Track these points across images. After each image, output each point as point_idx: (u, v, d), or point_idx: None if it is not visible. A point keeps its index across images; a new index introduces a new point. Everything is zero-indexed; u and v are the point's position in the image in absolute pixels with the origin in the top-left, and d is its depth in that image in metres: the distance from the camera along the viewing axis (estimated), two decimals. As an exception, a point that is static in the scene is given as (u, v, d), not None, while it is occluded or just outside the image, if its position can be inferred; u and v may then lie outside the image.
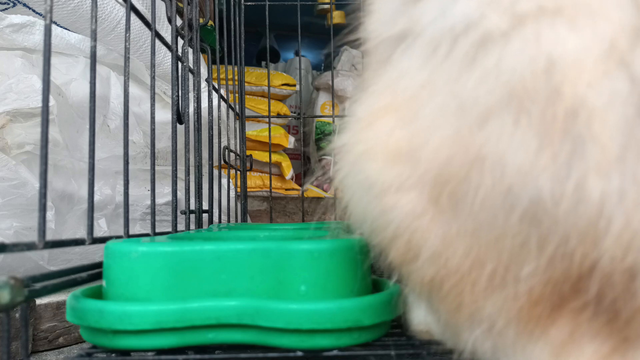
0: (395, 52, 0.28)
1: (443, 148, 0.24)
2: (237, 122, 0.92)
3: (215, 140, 0.72)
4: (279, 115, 1.50)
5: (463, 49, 0.24)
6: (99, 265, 0.36)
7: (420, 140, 0.25)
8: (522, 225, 0.22)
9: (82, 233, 0.68)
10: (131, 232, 0.44)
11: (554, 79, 0.21)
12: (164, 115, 0.77)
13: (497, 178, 0.22)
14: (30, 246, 0.29)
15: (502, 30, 0.23)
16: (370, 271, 0.35)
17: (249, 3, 0.95)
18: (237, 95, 0.93)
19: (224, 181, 0.83)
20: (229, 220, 0.86)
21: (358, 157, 0.28)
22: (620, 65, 0.21)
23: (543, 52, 0.22)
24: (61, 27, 0.77)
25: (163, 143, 0.85)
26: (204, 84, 0.75)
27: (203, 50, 0.65)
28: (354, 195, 0.28)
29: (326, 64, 2.45)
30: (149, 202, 0.80)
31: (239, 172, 0.91)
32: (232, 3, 0.87)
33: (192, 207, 0.61)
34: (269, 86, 0.97)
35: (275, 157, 1.43)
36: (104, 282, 0.33)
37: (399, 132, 0.26)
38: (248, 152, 0.95)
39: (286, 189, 1.48)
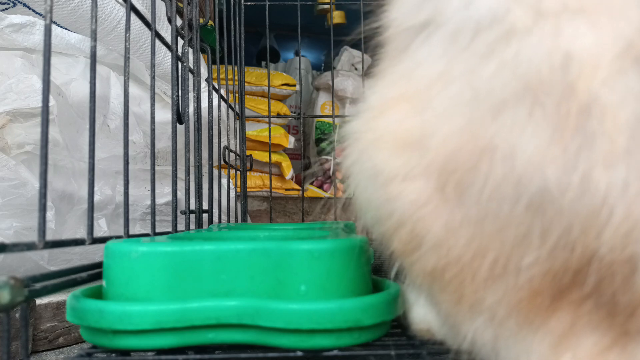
0: (415, 41, 0.28)
1: (453, 137, 0.24)
2: (237, 122, 0.92)
3: (215, 140, 0.72)
4: (279, 115, 1.50)
5: (485, 41, 0.24)
6: (99, 265, 0.36)
7: (431, 129, 0.25)
8: (527, 215, 0.22)
9: (82, 233, 0.68)
10: (131, 232, 0.44)
11: (569, 74, 0.22)
12: (164, 115, 0.77)
13: (507, 168, 0.22)
14: (30, 246, 0.29)
15: (526, 25, 0.23)
16: (370, 271, 0.35)
17: (249, 3, 0.95)
18: (237, 95, 0.93)
19: (224, 181, 0.83)
20: (229, 220, 0.86)
21: (367, 145, 0.28)
22: (636, 63, 0.21)
23: (561, 47, 0.22)
24: (61, 27, 0.77)
25: (163, 143, 0.85)
26: (204, 84, 0.75)
27: (203, 50, 0.65)
28: (360, 184, 0.28)
29: (326, 64, 2.45)
30: (149, 202, 0.80)
31: (239, 172, 0.91)
32: (232, 3, 0.87)
33: (192, 207, 0.61)
34: (269, 86, 0.97)
35: (275, 157, 1.43)
36: (104, 282, 0.33)
37: (410, 121, 0.26)
38: (248, 152, 0.95)
39: (286, 189, 1.48)
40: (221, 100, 0.79)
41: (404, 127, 0.26)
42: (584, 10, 0.23)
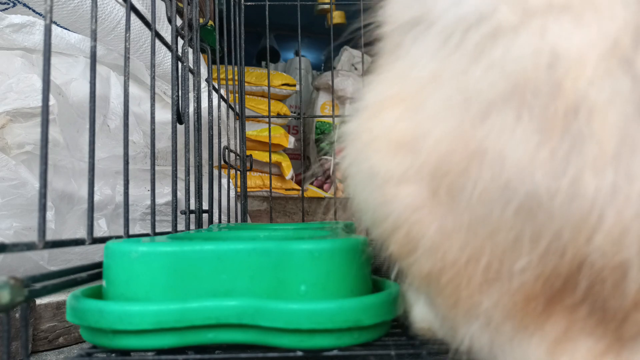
0: (408, 39, 0.28)
1: (444, 140, 0.24)
2: (237, 122, 0.92)
3: (215, 140, 0.72)
4: (279, 115, 1.50)
5: (473, 40, 0.24)
6: (99, 265, 0.36)
7: (423, 131, 0.25)
8: (517, 220, 0.22)
9: (82, 233, 0.68)
10: (131, 232, 0.44)
11: (556, 73, 0.21)
12: (164, 115, 0.77)
13: (496, 172, 0.22)
14: (30, 246, 0.29)
15: (512, 24, 0.23)
16: (370, 271, 0.35)
17: (249, 3, 0.95)
18: (237, 95, 0.93)
19: (224, 181, 0.83)
20: (229, 220, 0.86)
21: (363, 145, 0.28)
22: (623, 63, 0.21)
23: (547, 46, 0.22)
24: (61, 27, 0.77)
25: (163, 143, 0.85)
26: (204, 84, 0.75)
27: (203, 50, 0.65)
28: (358, 184, 0.28)
29: (326, 64, 2.45)
30: (149, 202, 0.80)
31: (239, 172, 0.91)
32: (232, 3, 0.87)
33: (192, 207, 0.61)
34: (269, 86, 0.97)
35: (275, 157, 1.43)
36: (104, 282, 0.33)
37: (404, 122, 0.26)
38: (248, 152, 0.95)
39: (286, 189, 1.48)
40: (221, 100, 0.79)
41: (398, 128, 0.26)
42: (570, 8, 0.22)
